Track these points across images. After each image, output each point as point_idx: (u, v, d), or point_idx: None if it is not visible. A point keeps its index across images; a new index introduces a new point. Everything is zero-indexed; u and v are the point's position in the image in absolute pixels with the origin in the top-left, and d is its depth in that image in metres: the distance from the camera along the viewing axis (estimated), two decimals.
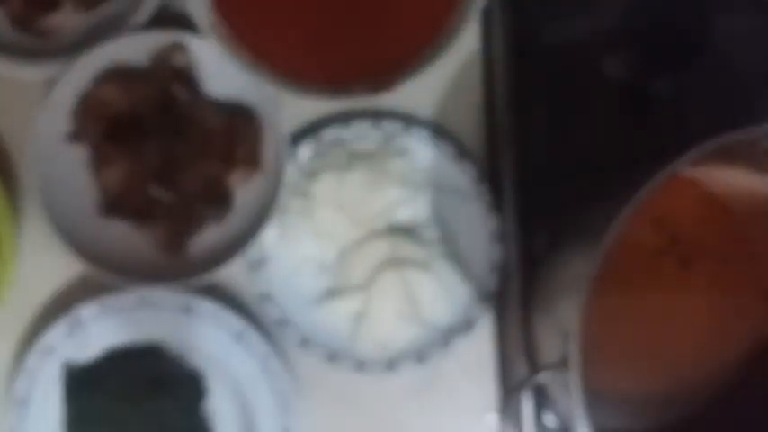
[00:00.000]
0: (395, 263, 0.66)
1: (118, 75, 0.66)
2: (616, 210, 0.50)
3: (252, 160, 0.67)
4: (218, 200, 0.67)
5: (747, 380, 0.61)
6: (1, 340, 0.68)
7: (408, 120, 0.69)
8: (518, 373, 0.65)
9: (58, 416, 0.66)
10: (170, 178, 0.67)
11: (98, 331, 0.66)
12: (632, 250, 0.59)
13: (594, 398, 0.50)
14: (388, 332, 0.67)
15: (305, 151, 0.68)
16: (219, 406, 0.68)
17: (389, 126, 0.68)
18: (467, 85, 0.70)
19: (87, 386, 0.66)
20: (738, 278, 0.61)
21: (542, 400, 0.64)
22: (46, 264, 0.68)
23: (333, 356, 0.66)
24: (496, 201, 0.67)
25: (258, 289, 0.67)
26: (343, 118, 0.68)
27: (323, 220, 0.67)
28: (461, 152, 0.68)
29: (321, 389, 0.68)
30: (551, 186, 0.67)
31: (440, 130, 0.69)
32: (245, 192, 0.68)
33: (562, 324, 0.53)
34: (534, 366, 0.62)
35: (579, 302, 0.50)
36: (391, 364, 0.66)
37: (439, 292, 0.67)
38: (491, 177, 0.68)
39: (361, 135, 0.68)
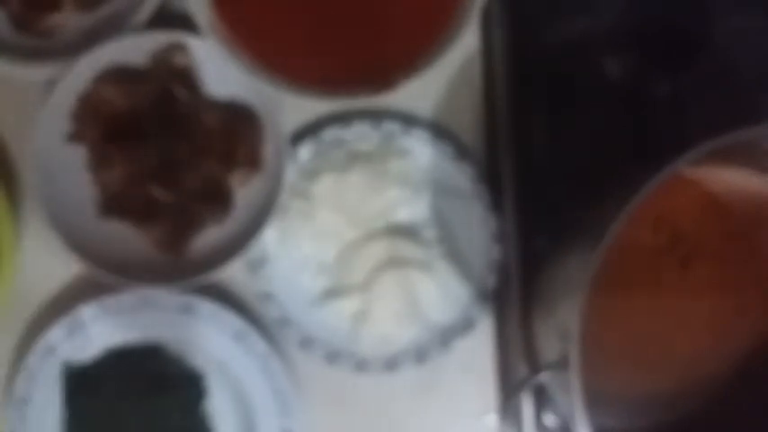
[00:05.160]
0: (395, 263, 0.66)
1: (118, 75, 0.66)
2: (616, 210, 0.50)
3: (252, 160, 0.67)
4: (218, 200, 0.67)
5: (747, 380, 0.61)
6: (1, 340, 0.68)
7: (408, 120, 0.69)
8: (518, 373, 0.65)
9: (58, 416, 0.66)
10: (170, 178, 0.67)
11: (98, 331, 0.66)
12: (632, 250, 0.59)
13: (594, 398, 0.50)
14: (388, 332, 0.67)
15: (305, 151, 0.68)
16: (219, 406, 0.68)
17: (389, 126, 0.68)
18: (467, 85, 0.70)
19: (87, 386, 0.66)
20: (738, 278, 0.61)
21: (542, 400, 0.64)
22: (46, 264, 0.68)
23: (333, 356, 0.66)
24: (496, 201, 0.67)
25: (258, 289, 0.67)
26: (343, 118, 0.68)
27: (323, 221, 0.67)
28: (461, 152, 0.68)
29: (321, 389, 0.68)
30: (551, 186, 0.67)
31: (440, 130, 0.69)
32: (245, 192, 0.68)
33: (562, 324, 0.53)
34: (534, 366, 0.62)
35: (579, 302, 0.50)
36: (391, 364, 0.66)
37: (439, 292, 0.67)
38: (491, 177, 0.68)
39: (361, 135, 0.68)
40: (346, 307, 0.67)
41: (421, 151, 0.68)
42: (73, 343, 0.66)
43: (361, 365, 0.66)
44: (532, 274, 0.65)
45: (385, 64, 0.63)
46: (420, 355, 0.66)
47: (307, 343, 0.66)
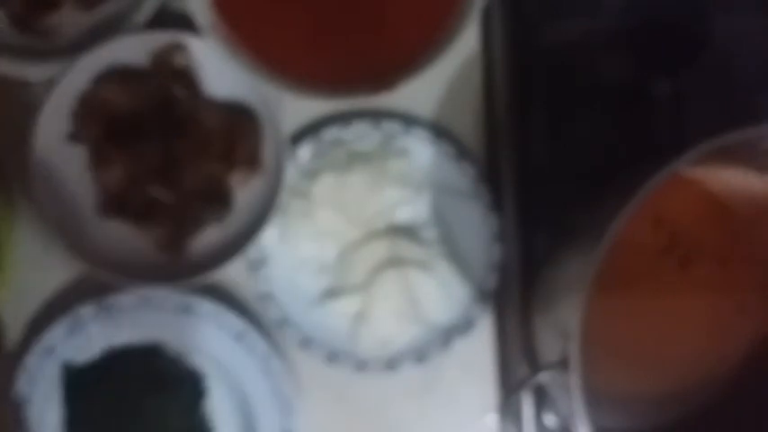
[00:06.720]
0: (395, 263, 0.66)
1: (118, 75, 0.66)
2: (616, 210, 0.50)
3: (252, 160, 0.67)
4: (218, 200, 0.67)
5: (747, 380, 0.61)
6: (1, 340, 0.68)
7: (408, 120, 0.69)
8: (518, 373, 0.65)
9: (57, 416, 0.66)
10: (170, 178, 0.67)
11: (98, 331, 0.66)
12: (632, 250, 0.59)
13: (594, 398, 0.50)
14: (388, 332, 0.67)
15: (305, 151, 0.68)
16: (219, 406, 0.68)
17: (389, 126, 0.68)
18: (467, 85, 0.70)
19: (87, 386, 0.66)
20: (738, 278, 0.61)
21: (542, 400, 0.64)
22: (46, 264, 0.68)
23: (333, 356, 0.66)
24: (496, 201, 0.67)
25: (258, 289, 0.67)
26: (344, 118, 0.68)
27: (323, 220, 0.67)
28: (461, 152, 0.68)
29: (321, 389, 0.68)
30: (551, 186, 0.67)
31: (440, 130, 0.69)
32: (245, 192, 0.68)
33: (562, 324, 0.53)
34: (534, 366, 0.62)
35: (579, 302, 0.50)
36: (391, 364, 0.66)
37: (439, 292, 0.67)
38: (491, 177, 0.68)
39: (361, 135, 0.68)
40: (346, 307, 0.67)
41: (421, 151, 0.68)
42: (73, 343, 0.66)
43: (361, 365, 0.66)
44: (532, 274, 0.65)
45: (385, 64, 0.63)
46: (420, 355, 0.66)
47: (307, 343, 0.66)
